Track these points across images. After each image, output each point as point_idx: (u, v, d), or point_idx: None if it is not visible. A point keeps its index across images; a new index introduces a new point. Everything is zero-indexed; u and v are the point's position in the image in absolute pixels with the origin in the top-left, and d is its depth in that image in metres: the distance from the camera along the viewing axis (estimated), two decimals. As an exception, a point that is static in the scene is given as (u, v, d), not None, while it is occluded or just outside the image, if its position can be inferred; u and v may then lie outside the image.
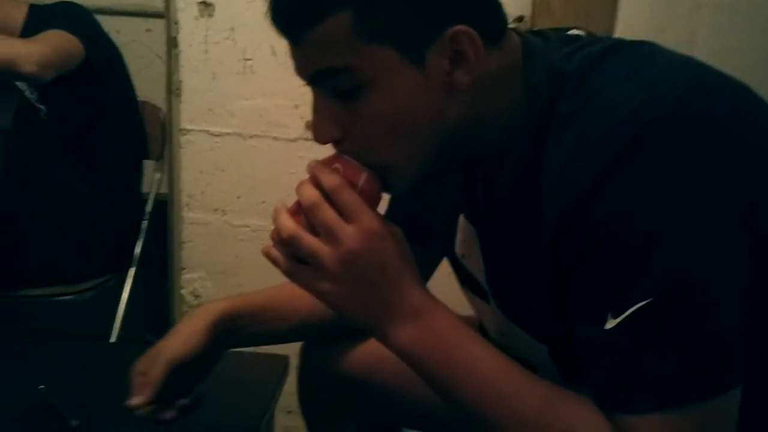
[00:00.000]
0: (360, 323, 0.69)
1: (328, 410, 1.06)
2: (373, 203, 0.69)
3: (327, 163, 0.69)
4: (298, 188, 0.68)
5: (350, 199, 0.66)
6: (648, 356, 0.58)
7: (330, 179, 0.66)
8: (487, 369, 0.66)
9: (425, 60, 0.64)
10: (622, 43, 0.69)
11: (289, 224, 0.67)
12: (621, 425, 0.60)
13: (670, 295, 0.57)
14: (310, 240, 0.66)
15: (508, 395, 0.65)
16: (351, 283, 0.66)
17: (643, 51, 0.68)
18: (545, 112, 0.66)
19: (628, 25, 1.40)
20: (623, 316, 0.58)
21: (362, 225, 0.65)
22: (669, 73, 0.64)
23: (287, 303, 0.95)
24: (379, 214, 0.68)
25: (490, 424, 0.65)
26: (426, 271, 0.99)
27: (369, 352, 0.98)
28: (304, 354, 1.06)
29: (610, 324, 0.59)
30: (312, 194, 0.67)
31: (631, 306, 0.57)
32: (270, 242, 0.70)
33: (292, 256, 0.68)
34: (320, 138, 0.69)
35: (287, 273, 0.69)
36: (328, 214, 0.66)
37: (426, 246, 0.95)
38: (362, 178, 0.68)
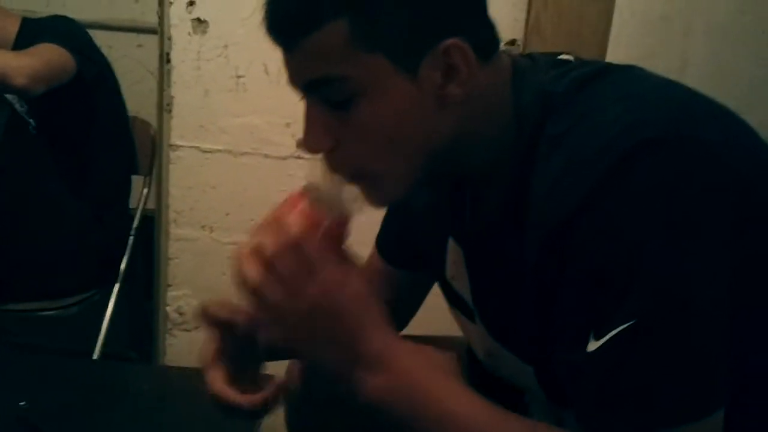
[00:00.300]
0: (331, 373, 0.68)
1: (315, 426, 1.04)
2: (338, 243, 0.68)
3: (293, 202, 0.68)
4: (260, 237, 0.67)
5: (309, 251, 0.65)
6: (630, 379, 0.58)
7: (292, 228, 0.66)
8: (460, 411, 0.64)
9: (418, 72, 0.64)
10: (610, 67, 0.70)
11: (252, 275, 0.66)
12: None
13: (654, 317, 0.57)
14: (271, 295, 0.65)
15: None
16: (314, 334, 0.66)
17: (632, 75, 0.68)
18: (534, 133, 0.66)
19: (620, 50, 1.41)
20: (606, 338, 0.58)
21: (321, 277, 0.65)
22: (657, 96, 0.64)
23: None
24: (342, 256, 0.68)
25: None
26: (417, 295, 1.01)
27: None
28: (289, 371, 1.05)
29: (592, 346, 0.59)
30: (272, 244, 0.65)
31: (614, 328, 0.57)
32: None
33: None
34: (311, 147, 0.69)
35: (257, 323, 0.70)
36: (288, 267, 0.65)
37: (416, 271, 0.96)
38: (327, 219, 0.67)
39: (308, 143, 0.69)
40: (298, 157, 1.63)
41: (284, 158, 1.64)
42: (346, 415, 1.00)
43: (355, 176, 0.69)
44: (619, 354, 0.58)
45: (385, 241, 0.99)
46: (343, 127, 0.67)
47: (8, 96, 1.60)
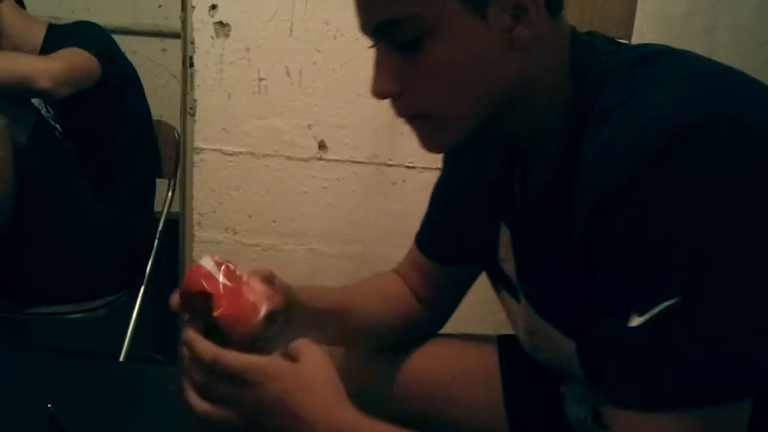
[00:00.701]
0: None
1: None
2: (249, 316, 0.71)
3: (194, 292, 0.72)
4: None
5: (227, 365, 0.68)
6: (668, 355, 0.58)
7: (203, 353, 0.68)
8: None
9: (487, 13, 0.65)
10: (666, 49, 0.70)
11: (190, 397, 0.70)
12: (627, 423, 0.60)
13: (699, 296, 0.57)
14: (215, 414, 0.69)
15: None
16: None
17: (687, 57, 0.69)
18: (588, 102, 0.67)
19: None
20: (649, 314, 0.58)
21: (248, 384, 0.67)
22: (710, 79, 0.64)
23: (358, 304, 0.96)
24: (263, 343, 0.71)
25: None
26: (459, 291, 1.02)
27: (420, 382, 0.99)
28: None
29: (635, 321, 0.59)
30: (196, 372, 0.69)
31: (658, 304, 0.57)
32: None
33: None
34: (379, 93, 0.70)
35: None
36: (214, 388, 0.68)
37: (460, 265, 0.97)
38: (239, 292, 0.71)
39: (377, 89, 0.70)
40: (320, 159, 1.63)
41: (306, 160, 1.64)
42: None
43: (417, 118, 0.71)
44: (660, 330, 0.58)
45: (427, 238, 1.00)
46: (412, 70, 0.68)
47: (34, 101, 1.62)
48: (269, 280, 0.77)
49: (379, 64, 0.70)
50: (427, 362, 1.00)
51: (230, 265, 0.73)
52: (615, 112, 0.63)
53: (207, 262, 0.72)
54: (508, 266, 0.84)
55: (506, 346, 0.99)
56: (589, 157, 0.64)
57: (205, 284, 0.71)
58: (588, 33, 0.75)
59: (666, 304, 0.57)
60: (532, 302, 0.81)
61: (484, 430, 0.95)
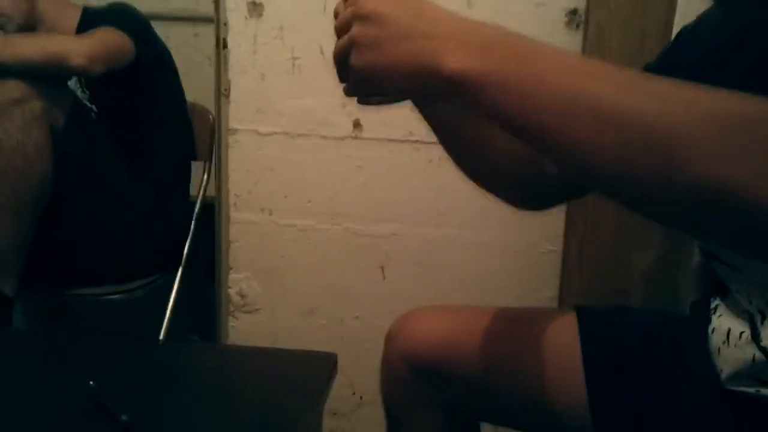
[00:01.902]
0: (409, 78, 0.60)
1: (411, 395, 1.03)
2: None
3: None
4: None
5: None
6: None
7: None
8: (576, 66, 0.53)
9: None
10: None
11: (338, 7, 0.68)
12: None
13: None
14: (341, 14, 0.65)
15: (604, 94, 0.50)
16: (382, 38, 0.61)
17: None
18: None
19: (689, 17, 1.35)
20: None
21: None
22: None
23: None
24: None
25: (584, 150, 0.50)
26: None
27: (459, 339, 0.97)
28: (389, 336, 1.04)
29: None
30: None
31: None
32: None
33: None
34: None
35: (335, 51, 0.66)
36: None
37: None
38: None
39: None
40: (355, 137, 1.62)
41: (341, 139, 1.63)
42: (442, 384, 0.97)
43: None
44: None
45: None
46: None
47: (70, 84, 1.63)
48: None
49: None
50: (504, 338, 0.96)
51: None
52: None
53: None
54: None
55: (586, 317, 0.95)
56: None
57: None
58: None
59: None
60: None
61: (564, 408, 0.92)
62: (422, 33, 0.59)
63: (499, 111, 0.55)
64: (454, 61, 0.56)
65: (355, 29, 0.63)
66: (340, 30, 0.65)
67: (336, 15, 0.70)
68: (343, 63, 0.65)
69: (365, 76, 0.63)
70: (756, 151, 0.44)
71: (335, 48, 0.66)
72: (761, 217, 0.43)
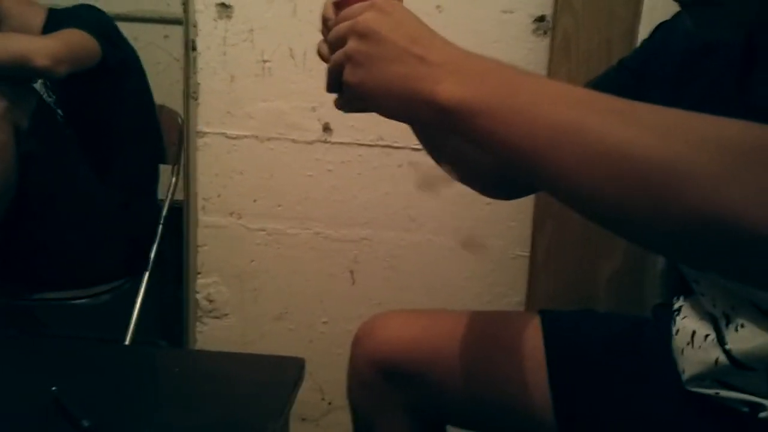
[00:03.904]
0: (401, 101, 0.60)
1: (378, 398, 1.03)
2: None
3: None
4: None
5: None
6: None
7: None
8: (570, 97, 0.52)
9: None
10: None
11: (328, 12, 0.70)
12: None
13: None
14: (333, 29, 0.66)
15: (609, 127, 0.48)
16: (374, 57, 0.61)
17: None
18: None
19: (653, 24, 1.37)
20: None
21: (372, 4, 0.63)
22: None
23: None
24: None
25: (581, 183, 0.49)
26: None
27: (425, 343, 0.97)
28: (356, 340, 1.04)
29: None
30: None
31: None
32: None
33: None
34: None
35: (329, 65, 0.67)
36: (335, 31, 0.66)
37: None
38: None
39: None
40: (325, 141, 1.62)
41: (311, 143, 1.62)
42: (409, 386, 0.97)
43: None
44: None
45: None
46: None
47: (36, 86, 1.60)
48: None
49: None
50: (468, 341, 0.97)
51: None
52: None
53: None
54: None
55: (550, 320, 0.96)
56: None
57: None
58: None
59: None
60: None
61: (529, 410, 0.93)
62: (417, 57, 0.59)
63: (489, 141, 0.54)
64: (447, 88, 0.56)
65: (351, 45, 0.63)
66: (335, 43, 0.65)
67: (324, 19, 0.71)
68: (336, 76, 0.65)
69: (358, 94, 0.63)
70: (756, 178, 0.43)
71: (330, 61, 0.66)
72: (762, 245, 0.43)
